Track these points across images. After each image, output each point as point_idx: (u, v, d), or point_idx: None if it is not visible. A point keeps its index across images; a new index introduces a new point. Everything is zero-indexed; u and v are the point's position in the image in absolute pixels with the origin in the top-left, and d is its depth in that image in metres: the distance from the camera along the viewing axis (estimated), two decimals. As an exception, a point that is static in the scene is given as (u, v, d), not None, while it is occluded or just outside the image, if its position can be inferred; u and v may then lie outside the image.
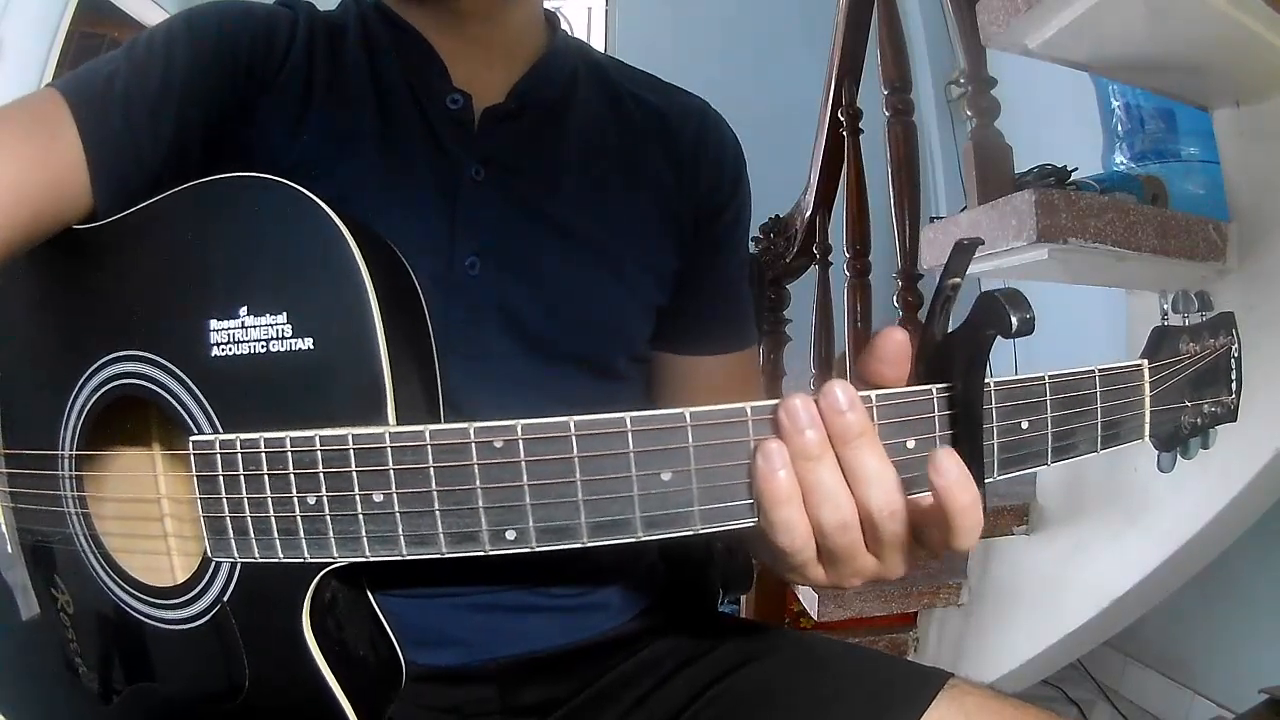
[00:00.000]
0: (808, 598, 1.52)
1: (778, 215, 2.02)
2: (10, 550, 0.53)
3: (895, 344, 0.40)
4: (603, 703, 0.61)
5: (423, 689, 0.58)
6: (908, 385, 0.40)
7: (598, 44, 3.49)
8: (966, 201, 1.23)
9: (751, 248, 2.00)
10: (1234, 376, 0.46)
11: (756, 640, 0.63)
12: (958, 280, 0.39)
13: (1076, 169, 1.34)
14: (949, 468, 0.36)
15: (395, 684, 0.52)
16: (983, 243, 0.46)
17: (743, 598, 1.74)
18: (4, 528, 0.54)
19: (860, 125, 1.72)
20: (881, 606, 1.50)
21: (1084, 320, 1.61)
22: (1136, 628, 1.49)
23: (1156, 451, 0.46)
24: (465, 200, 0.60)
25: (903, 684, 0.55)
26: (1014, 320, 0.36)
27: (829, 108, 1.78)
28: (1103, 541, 1.29)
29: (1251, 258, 1.08)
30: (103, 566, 0.52)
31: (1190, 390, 0.44)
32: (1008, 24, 1.00)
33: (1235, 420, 0.46)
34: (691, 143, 0.70)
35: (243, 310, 0.44)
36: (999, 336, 0.37)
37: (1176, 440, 0.45)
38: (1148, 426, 0.43)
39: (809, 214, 1.87)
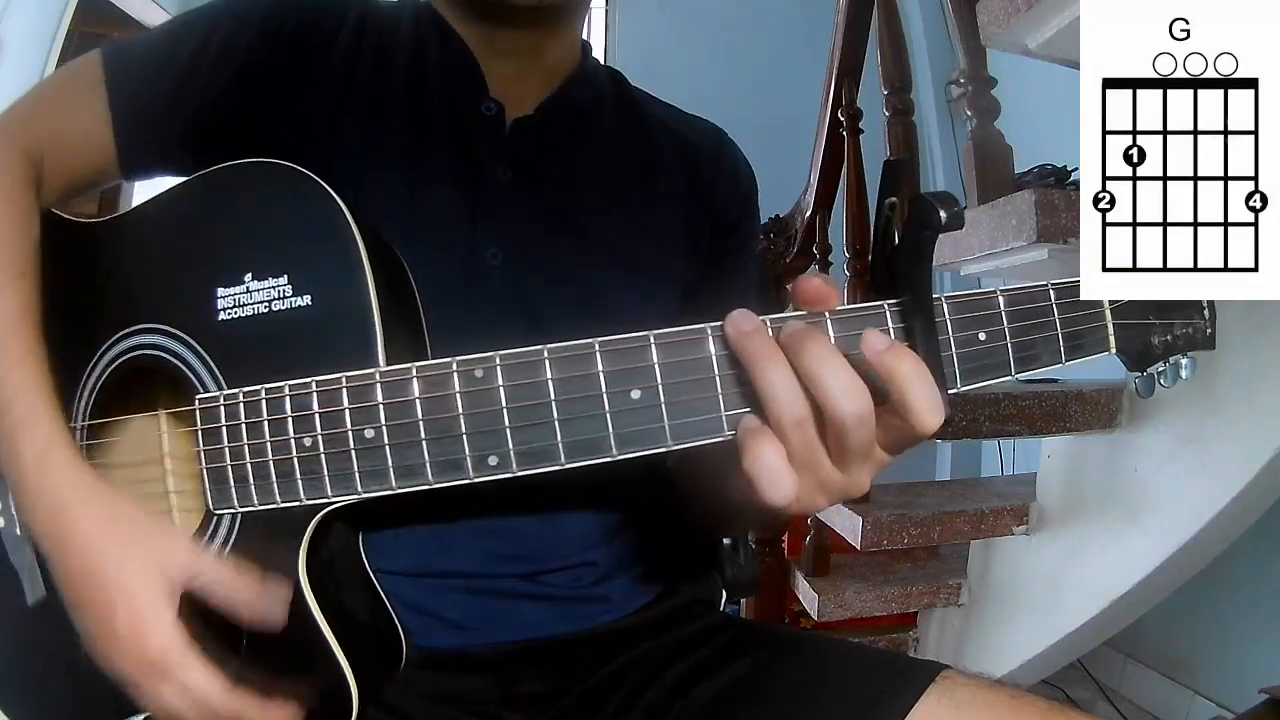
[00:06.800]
0: (808, 597, 1.53)
1: (778, 215, 2.01)
2: (19, 533, 0.54)
3: (812, 285, 0.41)
4: (599, 699, 0.61)
5: (421, 676, 0.58)
6: None
7: (597, 45, 3.50)
8: (966, 201, 1.23)
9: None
10: (1205, 302, 0.46)
11: (750, 636, 0.64)
12: (893, 200, 0.41)
13: (1076, 169, 1.33)
14: (876, 339, 0.37)
15: (395, 657, 0.52)
16: (909, 160, 0.48)
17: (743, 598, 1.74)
18: (14, 510, 0.54)
19: (860, 125, 1.72)
20: (881, 606, 1.51)
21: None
22: (1136, 628, 1.49)
23: (1132, 375, 0.46)
24: (489, 198, 0.62)
25: (894, 676, 0.54)
26: (942, 214, 0.37)
27: (829, 108, 1.77)
28: (1103, 541, 1.29)
29: (1251, 258, 1.07)
30: None
31: (1156, 309, 0.45)
32: (1008, 24, 1.00)
33: (1213, 348, 0.46)
34: (709, 161, 0.72)
35: (248, 276, 0.47)
36: (935, 234, 0.38)
37: (1149, 359, 0.45)
38: (1112, 340, 0.44)
39: (809, 214, 1.87)
